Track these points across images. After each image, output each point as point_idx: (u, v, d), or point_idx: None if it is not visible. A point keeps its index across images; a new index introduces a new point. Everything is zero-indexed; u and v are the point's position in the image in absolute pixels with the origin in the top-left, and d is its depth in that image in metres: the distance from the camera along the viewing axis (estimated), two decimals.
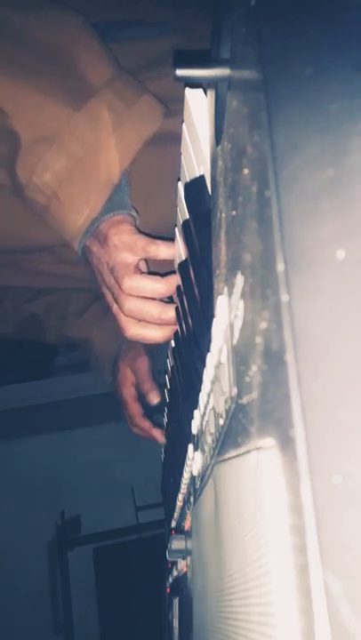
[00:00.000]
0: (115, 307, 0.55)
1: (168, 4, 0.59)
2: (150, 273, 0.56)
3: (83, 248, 0.57)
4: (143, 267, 0.56)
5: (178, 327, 0.55)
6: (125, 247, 0.53)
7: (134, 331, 0.55)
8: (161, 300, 0.54)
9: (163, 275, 0.54)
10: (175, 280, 0.51)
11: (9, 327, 0.85)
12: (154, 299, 0.54)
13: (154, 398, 0.78)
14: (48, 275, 0.71)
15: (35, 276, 0.72)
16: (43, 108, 0.50)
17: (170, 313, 0.52)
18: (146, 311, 0.53)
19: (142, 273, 0.54)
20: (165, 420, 0.82)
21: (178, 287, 0.52)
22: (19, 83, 0.50)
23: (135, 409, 0.80)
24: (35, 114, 0.50)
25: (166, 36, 0.58)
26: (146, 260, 0.57)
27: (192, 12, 0.58)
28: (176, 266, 0.54)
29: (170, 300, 0.56)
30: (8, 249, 0.65)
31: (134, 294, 0.53)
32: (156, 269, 0.57)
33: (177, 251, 0.53)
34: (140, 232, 0.55)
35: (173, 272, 0.53)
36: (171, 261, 0.55)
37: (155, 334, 0.55)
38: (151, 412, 0.82)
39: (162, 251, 0.53)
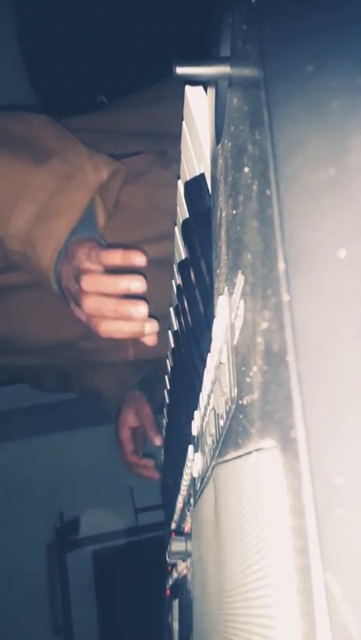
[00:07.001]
0: (80, 312, 0.58)
1: (144, 138, 0.74)
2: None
3: (57, 278, 0.61)
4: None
5: (178, 327, 0.55)
6: (85, 257, 0.58)
7: (103, 327, 0.56)
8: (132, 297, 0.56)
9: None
10: (135, 278, 0.53)
11: (49, 385, 1.06)
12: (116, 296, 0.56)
13: (156, 440, 0.93)
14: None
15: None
16: (12, 172, 0.62)
17: (128, 307, 0.53)
18: (103, 305, 0.54)
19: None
20: (165, 421, 0.82)
21: (178, 287, 0.52)
22: None
23: (128, 447, 0.96)
24: (5, 178, 0.62)
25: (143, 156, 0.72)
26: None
27: (167, 139, 0.72)
28: (176, 265, 0.53)
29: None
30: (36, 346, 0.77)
31: (92, 290, 0.55)
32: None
33: (177, 250, 0.53)
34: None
35: (136, 272, 0.55)
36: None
37: (124, 328, 0.55)
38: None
39: (112, 257, 0.55)
